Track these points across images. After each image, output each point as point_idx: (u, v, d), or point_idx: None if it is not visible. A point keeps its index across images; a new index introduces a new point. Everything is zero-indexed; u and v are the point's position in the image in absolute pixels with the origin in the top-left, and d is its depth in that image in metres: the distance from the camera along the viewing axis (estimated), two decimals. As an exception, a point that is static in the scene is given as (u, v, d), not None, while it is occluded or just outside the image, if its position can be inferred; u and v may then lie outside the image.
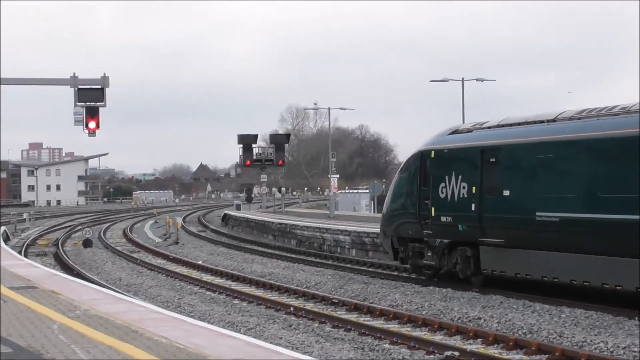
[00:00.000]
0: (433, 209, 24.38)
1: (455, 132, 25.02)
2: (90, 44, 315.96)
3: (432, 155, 24.84)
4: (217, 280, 28.76)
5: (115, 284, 28.59)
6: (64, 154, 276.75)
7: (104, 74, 28.38)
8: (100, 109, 28.37)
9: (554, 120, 21.43)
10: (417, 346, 16.08)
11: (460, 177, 23.51)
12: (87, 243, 45.50)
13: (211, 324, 16.69)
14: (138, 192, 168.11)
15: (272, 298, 23.52)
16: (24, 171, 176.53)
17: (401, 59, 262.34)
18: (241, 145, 64.74)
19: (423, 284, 24.68)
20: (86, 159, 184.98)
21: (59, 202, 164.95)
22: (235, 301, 23.73)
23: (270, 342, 14.62)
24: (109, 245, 46.40)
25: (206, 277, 29.73)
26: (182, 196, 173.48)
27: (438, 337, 17.12)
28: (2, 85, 28.82)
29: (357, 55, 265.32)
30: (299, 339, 17.13)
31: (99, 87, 28.24)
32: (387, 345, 16.53)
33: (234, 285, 26.94)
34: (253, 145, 65.24)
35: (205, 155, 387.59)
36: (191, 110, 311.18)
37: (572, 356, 14.63)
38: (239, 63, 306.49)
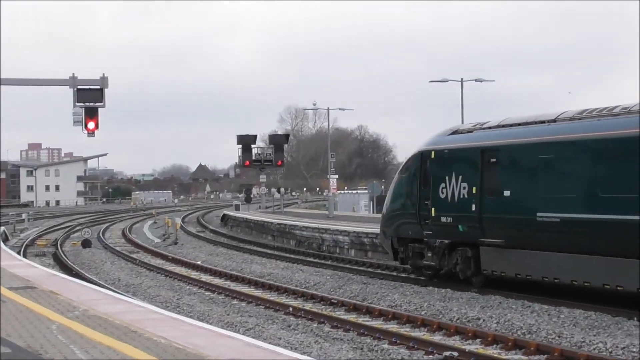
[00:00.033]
0: (433, 209, 24.35)
1: (455, 132, 24.98)
2: (90, 44, 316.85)
3: (432, 156, 24.81)
4: (216, 281, 28.73)
5: (114, 284, 28.55)
6: (63, 155, 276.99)
7: (103, 74, 28.50)
8: (100, 109, 28.43)
9: (554, 121, 21.39)
10: (416, 346, 16.07)
11: (460, 177, 23.48)
12: (86, 243, 45.46)
13: (210, 324, 16.66)
14: (137, 192, 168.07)
15: (271, 298, 23.49)
16: (23, 171, 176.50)
17: (401, 59, 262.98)
18: (240, 146, 64.73)
19: (422, 284, 24.66)
20: (85, 160, 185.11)
21: (58, 202, 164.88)
22: (234, 301, 23.70)
23: (269, 343, 14.62)
24: (108, 246, 46.34)
25: (205, 278, 29.69)
26: (181, 196, 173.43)
27: (437, 338, 17.10)
28: (1, 85, 28.83)
29: (357, 55, 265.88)
30: (298, 339, 17.11)
31: (98, 87, 28.30)
32: (386, 346, 16.50)
33: (233, 286, 26.90)
34: (252, 146, 65.19)
35: (204, 155, 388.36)
36: (191, 110, 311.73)
37: (571, 356, 14.61)
38: (239, 63, 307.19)
